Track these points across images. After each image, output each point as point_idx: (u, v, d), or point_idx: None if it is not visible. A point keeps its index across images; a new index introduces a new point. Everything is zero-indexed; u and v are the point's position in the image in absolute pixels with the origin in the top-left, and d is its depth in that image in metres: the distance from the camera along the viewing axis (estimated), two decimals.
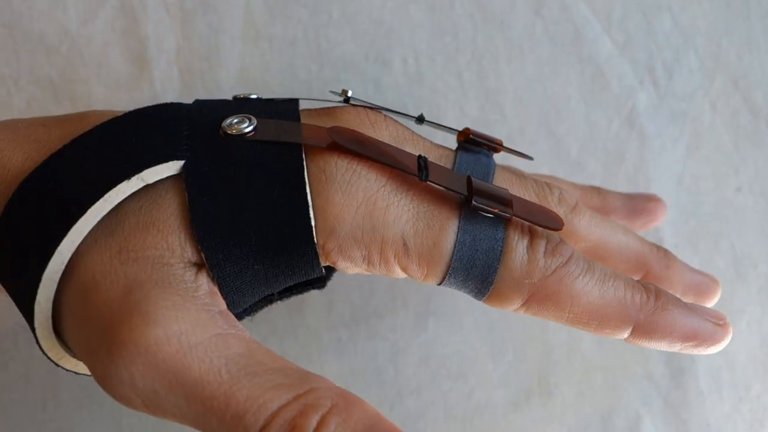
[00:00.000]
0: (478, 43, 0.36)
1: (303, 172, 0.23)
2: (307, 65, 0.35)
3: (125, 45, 0.35)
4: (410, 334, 0.35)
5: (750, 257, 0.36)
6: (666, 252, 0.29)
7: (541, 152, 0.36)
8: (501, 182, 0.26)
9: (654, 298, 0.25)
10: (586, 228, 0.28)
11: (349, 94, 0.27)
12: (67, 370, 0.24)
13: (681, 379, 0.34)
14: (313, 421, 0.20)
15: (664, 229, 0.36)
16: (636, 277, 0.28)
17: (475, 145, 0.27)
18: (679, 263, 0.29)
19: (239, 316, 0.25)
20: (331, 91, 0.29)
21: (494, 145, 0.28)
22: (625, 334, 0.25)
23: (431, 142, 0.27)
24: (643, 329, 0.25)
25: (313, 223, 0.23)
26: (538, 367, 0.34)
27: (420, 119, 0.28)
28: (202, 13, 0.35)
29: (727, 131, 0.37)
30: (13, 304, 0.24)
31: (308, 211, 0.23)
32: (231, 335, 0.21)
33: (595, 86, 0.37)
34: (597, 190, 0.33)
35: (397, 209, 0.24)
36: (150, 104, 0.25)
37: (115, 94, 0.35)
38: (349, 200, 0.23)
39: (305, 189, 0.23)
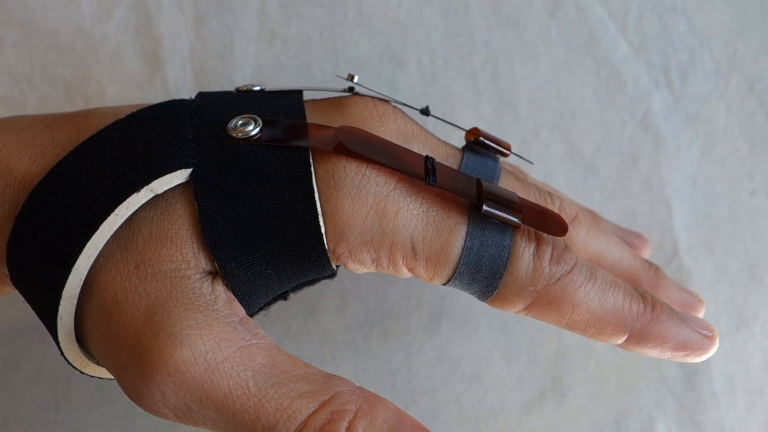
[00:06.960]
0: (492, 44, 0.36)
1: (311, 178, 0.23)
2: (322, 65, 0.35)
3: (139, 44, 0.35)
4: (424, 336, 0.35)
5: (764, 260, 0.36)
6: (657, 269, 0.30)
7: (556, 154, 0.36)
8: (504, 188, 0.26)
9: (650, 309, 0.26)
10: (583, 240, 0.28)
11: (356, 80, 0.27)
12: (91, 376, 0.24)
13: (695, 382, 0.34)
14: (342, 428, 0.21)
15: (679, 231, 0.36)
16: None
17: (483, 147, 0.27)
18: (668, 281, 0.30)
19: (254, 313, 0.25)
20: (337, 75, 0.28)
21: (502, 150, 0.28)
22: (620, 341, 0.26)
23: (438, 139, 0.27)
24: (637, 337, 0.26)
25: (323, 230, 0.23)
26: (552, 369, 0.34)
27: (425, 112, 0.28)
28: (216, 12, 0.35)
29: (741, 134, 0.36)
30: (25, 304, 0.24)
31: (318, 218, 0.23)
32: (254, 345, 0.22)
33: (609, 88, 0.36)
34: (593, 214, 0.33)
35: (407, 213, 0.24)
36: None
37: (129, 94, 0.35)
38: (359, 205, 0.23)
39: (314, 196, 0.23)
